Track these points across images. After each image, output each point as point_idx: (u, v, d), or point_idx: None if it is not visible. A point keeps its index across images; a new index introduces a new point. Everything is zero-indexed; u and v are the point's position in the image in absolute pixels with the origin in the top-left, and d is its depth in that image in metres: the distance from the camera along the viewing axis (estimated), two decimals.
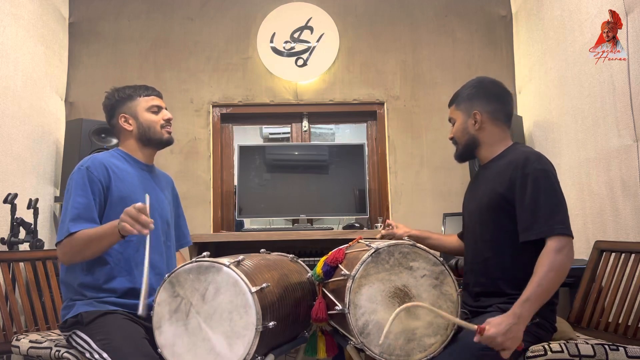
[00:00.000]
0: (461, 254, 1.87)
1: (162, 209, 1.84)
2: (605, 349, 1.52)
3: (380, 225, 2.92)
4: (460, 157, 1.79)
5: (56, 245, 1.63)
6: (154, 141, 1.84)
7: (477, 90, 1.72)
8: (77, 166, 1.70)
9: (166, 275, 1.48)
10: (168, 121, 1.85)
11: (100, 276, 1.65)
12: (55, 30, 3.08)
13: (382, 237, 1.88)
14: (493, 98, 1.70)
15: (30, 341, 1.74)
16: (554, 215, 1.47)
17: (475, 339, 1.36)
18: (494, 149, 1.70)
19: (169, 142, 1.86)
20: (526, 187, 1.51)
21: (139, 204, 1.47)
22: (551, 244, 1.45)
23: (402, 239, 1.57)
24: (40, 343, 1.72)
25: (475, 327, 1.36)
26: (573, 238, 1.49)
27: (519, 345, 1.39)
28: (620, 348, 1.52)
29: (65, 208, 1.64)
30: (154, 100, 1.85)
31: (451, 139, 1.79)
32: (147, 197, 1.53)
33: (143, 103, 1.83)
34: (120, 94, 1.83)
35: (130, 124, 1.82)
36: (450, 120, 1.80)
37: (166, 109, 1.88)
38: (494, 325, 1.36)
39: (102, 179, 1.68)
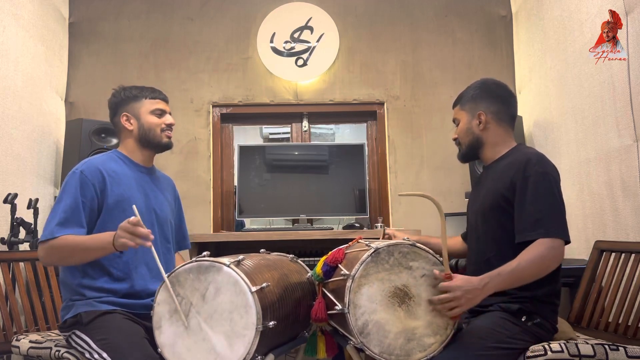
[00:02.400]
0: (462, 256, 1.87)
1: (162, 210, 1.84)
2: (605, 349, 1.51)
3: (381, 225, 2.92)
4: (464, 157, 1.79)
5: (38, 244, 1.62)
6: (152, 144, 1.84)
7: (481, 91, 1.72)
8: (72, 170, 1.70)
9: (166, 275, 1.48)
10: (169, 126, 1.85)
11: (98, 278, 1.65)
12: (55, 30, 3.08)
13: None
14: (497, 99, 1.71)
15: (30, 341, 1.74)
16: (548, 220, 1.48)
17: (440, 285, 1.41)
18: (497, 149, 1.70)
19: (167, 147, 1.87)
20: (525, 189, 1.52)
21: (132, 218, 1.48)
22: (544, 240, 1.46)
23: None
24: (40, 343, 1.72)
25: (444, 273, 1.42)
26: (568, 242, 1.50)
27: (458, 315, 1.41)
28: (620, 348, 1.52)
29: (55, 210, 1.64)
30: (159, 104, 1.85)
31: (455, 139, 1.79)
32: (135, 208, 1.52)
33: (147, 105, 1.83)
34: (127, 93, 1.84)
35: (131, 124, 1.82)
36: (454, 121, 1.80)
37: (170, 114, 1.88)
38: (462, 280, 1.41)
39: (97, 183, 1.68)
